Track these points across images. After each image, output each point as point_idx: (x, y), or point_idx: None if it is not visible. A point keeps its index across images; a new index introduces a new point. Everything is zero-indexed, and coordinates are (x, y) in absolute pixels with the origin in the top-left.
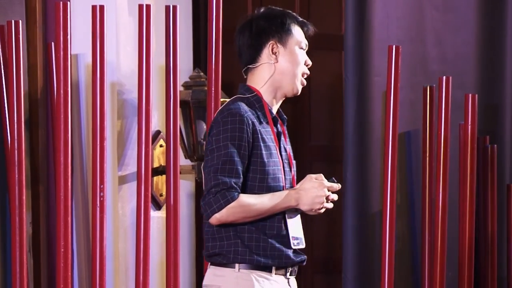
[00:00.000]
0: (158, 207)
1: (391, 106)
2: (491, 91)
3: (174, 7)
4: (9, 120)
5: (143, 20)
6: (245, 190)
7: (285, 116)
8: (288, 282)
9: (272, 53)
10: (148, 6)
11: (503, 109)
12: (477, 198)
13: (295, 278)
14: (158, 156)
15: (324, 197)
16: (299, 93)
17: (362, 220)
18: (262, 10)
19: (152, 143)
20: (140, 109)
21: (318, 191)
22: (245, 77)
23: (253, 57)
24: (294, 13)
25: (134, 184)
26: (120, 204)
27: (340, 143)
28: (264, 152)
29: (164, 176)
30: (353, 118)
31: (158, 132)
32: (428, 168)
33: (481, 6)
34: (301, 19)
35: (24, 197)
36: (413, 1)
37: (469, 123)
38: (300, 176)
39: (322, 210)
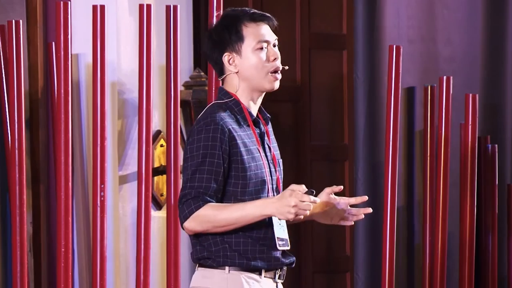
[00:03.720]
0: (158, 207)
1: (392, 106)
2: (492, 91)
3: (175, 7)
4: (9, 120)
5: (143, 20)
6: (227, 196)
7: (268, 115)
8: (277, 286)
9: (230, 64)
10: (148, 6)
11: (504, 109)
12: (478, 198)
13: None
14: (159, 156)
15: (292, 206)
16: (276, 88)
17: (373, 219)
18: (220, 17)
19: (153, 142)
20: (140, 108)
21: (288, 201)
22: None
23: (218, 69)
24: (253, 10)
25: (134, 184)
26: (120, 204)
27: (340, 143)
28: (245, 157)
29: (164, 176)
30: (364, 117)
31: (158, 132)
32: (429, 167)
33: (484, 5)
34: (259, 14)
35: (24, 197)
36: None
37: (470, 123)
38: (300, 175)
39: (293, 216)
